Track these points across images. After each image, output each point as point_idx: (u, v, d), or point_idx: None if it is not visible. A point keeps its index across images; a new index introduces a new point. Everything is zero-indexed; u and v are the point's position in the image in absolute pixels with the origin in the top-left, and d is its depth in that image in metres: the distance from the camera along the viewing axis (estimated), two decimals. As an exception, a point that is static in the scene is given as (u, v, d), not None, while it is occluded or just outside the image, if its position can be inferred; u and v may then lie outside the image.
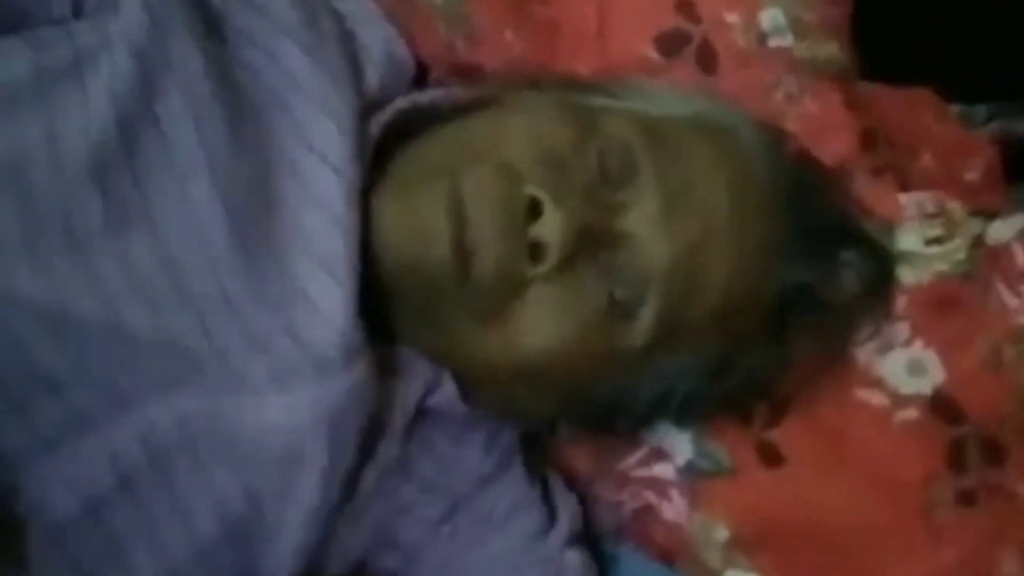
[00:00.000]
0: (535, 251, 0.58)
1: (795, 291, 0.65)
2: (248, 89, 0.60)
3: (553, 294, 0.59)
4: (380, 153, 0.63)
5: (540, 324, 0.59)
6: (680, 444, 0.70)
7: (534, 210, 0.58)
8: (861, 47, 0.87)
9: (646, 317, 0.61)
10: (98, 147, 0.55)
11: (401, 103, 0.65)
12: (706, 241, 0.61)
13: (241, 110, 0.59)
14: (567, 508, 0.69)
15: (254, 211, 0.58)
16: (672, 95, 0.69)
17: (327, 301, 0.58)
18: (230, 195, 0.57)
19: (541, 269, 0.58)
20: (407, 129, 0.64)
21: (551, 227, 0.58)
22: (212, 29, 0.61)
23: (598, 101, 0.66)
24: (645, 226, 0.60)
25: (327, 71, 0.62)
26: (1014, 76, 0.97)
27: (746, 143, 0.66)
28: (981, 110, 0.95)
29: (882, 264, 0.70)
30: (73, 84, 0.56)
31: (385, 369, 0.61)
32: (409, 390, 0.62)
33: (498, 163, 0.59)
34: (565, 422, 0.69)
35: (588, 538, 0.69)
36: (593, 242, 0.59)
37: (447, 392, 0.63)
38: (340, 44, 0.65)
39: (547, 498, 0.69)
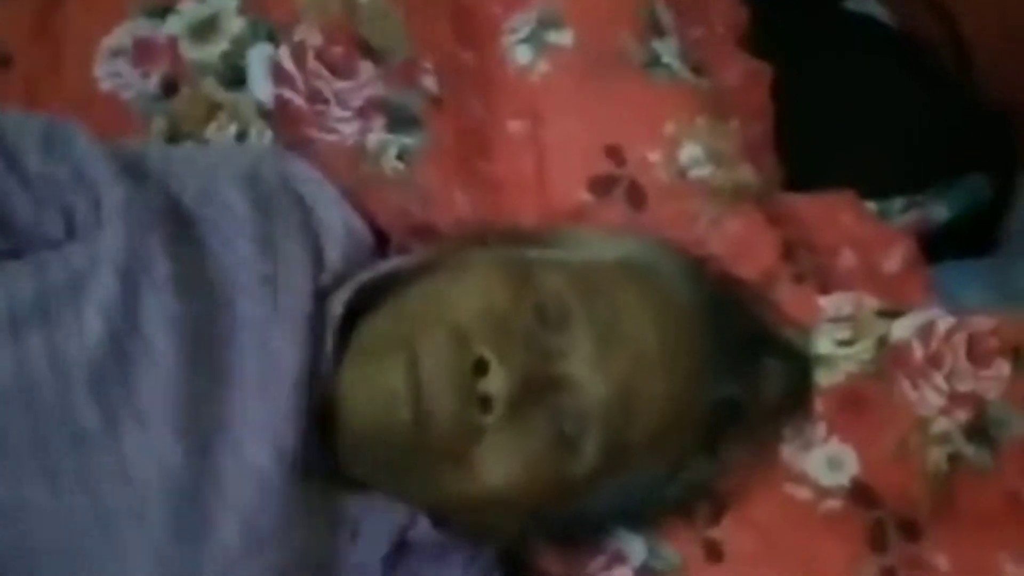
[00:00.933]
0: (485, 403, 0.66)
1: (724, 405, 0.74)
2: (212, 279, 0.68)
3: (506, 438, 0.67)
4: (347, 325, 0.72)
5: (497, 465, 0.68)
6: (635, 547, 0.76)
7: (482, 367, 0.66)
8: (784, 158, 0.97)
9: (590, 448, 0.69)
10: (95, 361, 0.65)
11: (363, 277, 0.74)
12: (638, 374, 0.69)
13: (202, 304, 0.67)
14: None
15: (205, 392, 0.66)
16: (599, 240, 0.78)
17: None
18: (188, 383, 0.65)
19: (491, 419, 0.66)
20: (372, 298, 0.73)
21: (497, 383, 0.66)
22: (182, 232, 0.70)
23: (534, 253, 0.75)
24: (582, 367, 0.68)
25: (277, 260, 0.71)
26: (924, 166, 1.06)
27: (668, 277, 0.75)
28: (897, 202, 1.03)
29: (801, 369, 0.78)
30: (70, 305, 0.66)
31: (353, 516, 0.70)
32: (382, 531, 0.71)
33: (448, 328, 0.67)
34: (532, 537, 0.77)
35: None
36: (537, 388, 0.67)
37: (423, 526, 0.72)
38: (301, 232, 0.73)
39: None
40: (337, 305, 0.72)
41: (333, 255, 0.75)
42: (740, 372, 0.75)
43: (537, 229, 0.80)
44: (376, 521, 0.71)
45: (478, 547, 0.77)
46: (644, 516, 0.76)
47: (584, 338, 0.69)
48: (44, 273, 0.67)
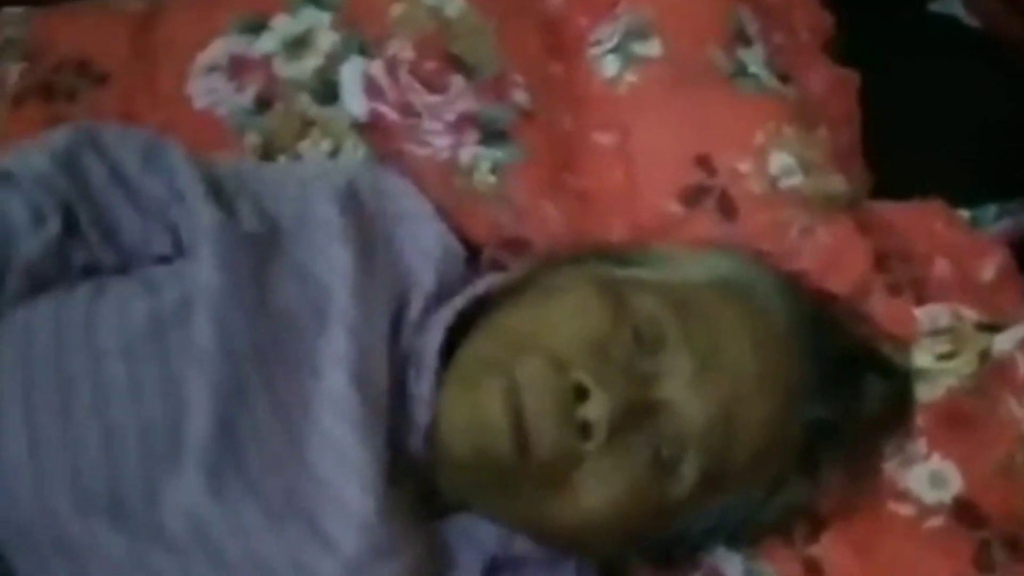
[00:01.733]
0: (585, 429, 0.66)
1: (822, 426, 0.73)
2: (290, 302, 0.69)
3: (606, 463, 0.66)
4: (449, 347, 0.72)
5: (597, 490, 0.67)
6: (732, 564, 0.75)
7: (581, 393, 0.66)
8: (872, 165, 0.95)
9: (688, 472, 0.68)
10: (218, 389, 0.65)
11: (458, 303, 0.74)
12: (737, 397, 0.68)
13: (277, 328, 0.68)
14: None
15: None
16: (691, 258, 0.77)
17: (354, 503, 0.65)
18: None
19: (591, 446, 0.66)
20: (469, 319, 0.73)
21: (597, 409, 0.65)
22: (275, 251, 0.70)
23: (626, 273, 0.74)
24: (680, 392, 0.67)
25: (373, 275, 0.71)
26: (1016, 172, 1.04)
27: (763, 296, 0.74)
28: (990, 210, 1.01)
29: (901, 385, 0.77)
30: (182, 328, 0.66)
31: (447, 539, 0.71)
32: (475, 559, 0.71)
33: (546, 353, 0.66)
34: (629, 556, 0.77)
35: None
36: (636, 413, 0.66)
37: (520, 544, 0.72)
38: (388, 272, 0.73)
39: None
40: (436, 330, 0.72)
41: (427, 277, 0.75)
42: (839, 392, 0.74)
43: (628, 247, 0.79)
44: (468, 549, 0.71)
45: (584, 561, 0.77)
46: (741, 535, 0.75)
47: (682, 362, 0.68)
48: (156, 294, 0.68)
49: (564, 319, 0.69)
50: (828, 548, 0.74)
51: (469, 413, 0.67)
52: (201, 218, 0.69)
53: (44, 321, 0.67)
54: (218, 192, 0.71)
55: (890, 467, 0.76)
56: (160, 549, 0.64)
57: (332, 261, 0.70)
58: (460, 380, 0.69)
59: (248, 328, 0.67)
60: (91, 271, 0.72)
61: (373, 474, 0.66)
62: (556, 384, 0.66)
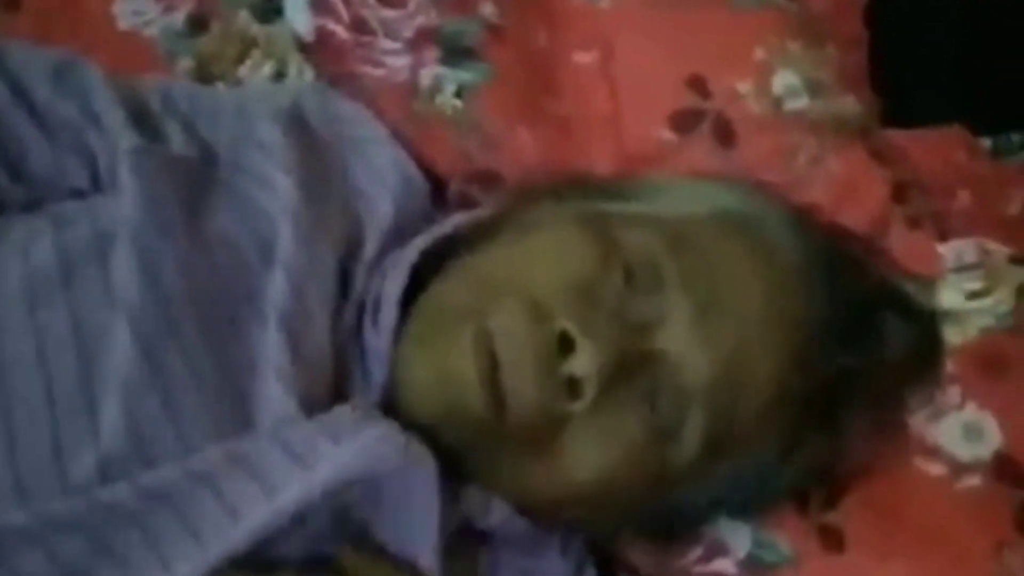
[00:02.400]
0: (571, 387, 0.58)
1: (842, 376, 0.65)
2: (230, 236, 0.62)
3: (595, 426, 0.59)
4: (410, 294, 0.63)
5: (586, 456, 0.60)
6: (739, 537, 0.69)
7: (565, 344, 0.58)
8: (879, 92, 0.87)
9: (691, 433, 0.61)
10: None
11: (421, 242, 0.66)
12: (743, 347, 0.61)
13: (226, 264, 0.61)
14: None
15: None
16: (688, 189, 0.69)
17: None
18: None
19: (579, 406, 0.58)
20: (433, 263, 0.65)
21: (584, 363, 0.57)
22: (211, 180, 0.63)
23: (615, 207, 0.66)
24: (678, 342, 0.60)
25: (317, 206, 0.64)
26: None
27: (772, 231, 0.66)
28: (1015, 138, 0.93)
29: (927, 327, 0.70)
30: (95, 269, 0.59)
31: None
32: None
33: (524, 299, 0.59)
34: (623, 530, 0.69)
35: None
36: (629, 367, 0.59)
37: (501, 510, 0.63)
38: (338, 206, 0.66)
39: None
40: (397, 274, 0.64)
41: (383, 210, 0.67)
42: (859, 337, 0.66)
43: (616, 179, 0.72)
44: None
45: (571, 535, 0.69)
46: (752, 504, 0.67)
47: (681, 305, 0.60)
48: (64, 230, 0.60)
49: (544, 260, 0.61)
50: (849, 515, 0.68)
51: (433, 368, 0.59)
52: (121, 142, 0.62)
53: None
54: (142, 115, 0.65)
55: (917, 421, 0.69)
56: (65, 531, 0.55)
57: (276, 190, 0.63)
58: (422, 331, 0.61)
59: (178, 266, 0.59)
60: None
61: None
62: (536, 334, 0.58)
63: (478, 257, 0.64)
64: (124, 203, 0.60)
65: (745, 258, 0.63)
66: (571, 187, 0.69)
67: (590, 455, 0.59)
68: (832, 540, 0.67)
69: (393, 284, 0.63)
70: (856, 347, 0.65)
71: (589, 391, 0.58)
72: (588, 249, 0.61)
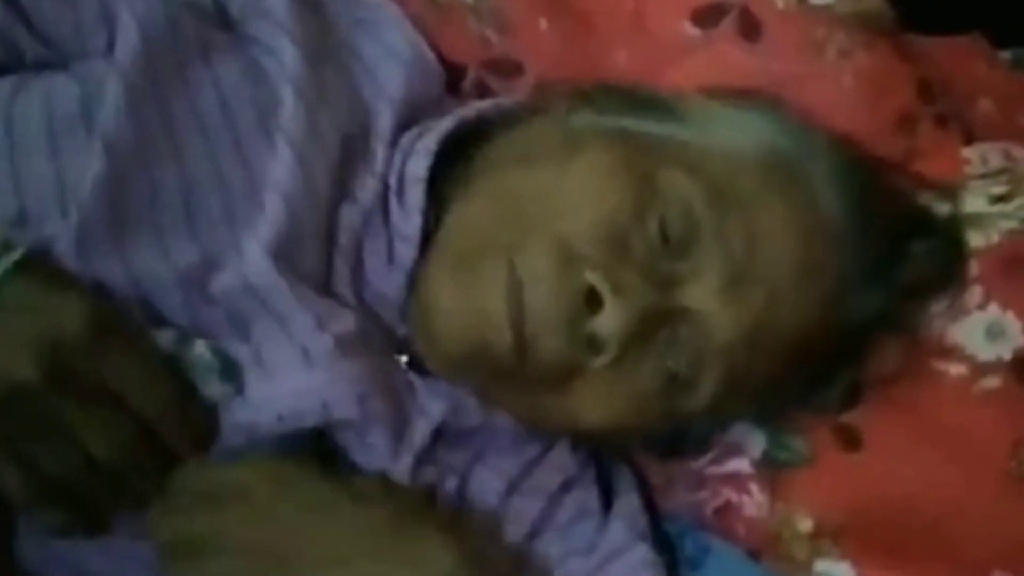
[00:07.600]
0: (592, 342, 0.58)
1: (870, 319, 0.64)
2: (231, 96, 0.60)
3: (611, 378, 0.59)
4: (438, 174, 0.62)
5: (599, 404, 0.60)
6: (753, 437, 0.68)
7: (592, 298, 0.57)
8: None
9: (706, 386, 0.60)
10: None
11: (445, 125, 0.64)
12: (772, 308, 0.60)
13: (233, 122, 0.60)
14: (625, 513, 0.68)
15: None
16: (733, 119, 0.66)
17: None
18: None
19: (599, 362, 0.58)
20: (460, 147, 0.63)
21: (610, 323, 0.57)
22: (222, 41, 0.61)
23: (662, 130, 0.64)
24: (707, 301, 0.59)
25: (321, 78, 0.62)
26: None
27: (816, 181, 0.63)
28: (1032, 52, 0.92)
29: (951, 245, 0.68)
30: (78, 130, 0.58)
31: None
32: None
33: (556, 240, 0.58)
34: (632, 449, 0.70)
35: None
36: (652, 321, 0.58)
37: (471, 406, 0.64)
38: (345, 85, 0.64)
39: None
40: (420, 157, 0.62)
41: (394, 83, 0.64)
42: (886, 276, 0.65)
43: (658, 95, 0.68)
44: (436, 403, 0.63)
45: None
46: (765, 419, 0.67)
47: (713, 266, 0.59)
48: (88, 83, 0.59)
49: (581, 197, 0.59)
50: (867, 414, 0.67)
51: (464, 302, 0.59)
52: None
53: None
54: None
55: (938, 321, 0.68)
56: None
57: (282, 59, 0.61)
58: (454, 258, 0.60)
59: (160, 112, 0.58)
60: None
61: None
62: (565, 285, 0.57)
63: (511, 174, 0.61)
64: (120, 43, 0.58)
65: (786, 214, 0.61)
66: (608, 95, 0.66)
67: (602, 402, 0.60)
68: (849, 439, 0.67)
69: (417, 164, 0.62)
70: (886, 288, 0.65)
71: (610, 351, 0.58)
72: (627, 192, 0.59)
